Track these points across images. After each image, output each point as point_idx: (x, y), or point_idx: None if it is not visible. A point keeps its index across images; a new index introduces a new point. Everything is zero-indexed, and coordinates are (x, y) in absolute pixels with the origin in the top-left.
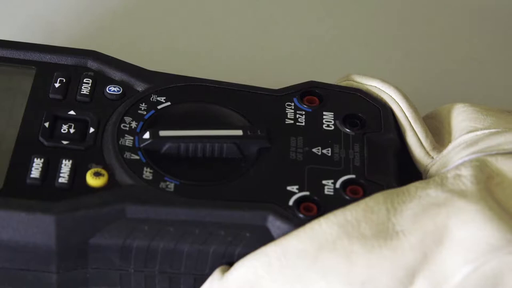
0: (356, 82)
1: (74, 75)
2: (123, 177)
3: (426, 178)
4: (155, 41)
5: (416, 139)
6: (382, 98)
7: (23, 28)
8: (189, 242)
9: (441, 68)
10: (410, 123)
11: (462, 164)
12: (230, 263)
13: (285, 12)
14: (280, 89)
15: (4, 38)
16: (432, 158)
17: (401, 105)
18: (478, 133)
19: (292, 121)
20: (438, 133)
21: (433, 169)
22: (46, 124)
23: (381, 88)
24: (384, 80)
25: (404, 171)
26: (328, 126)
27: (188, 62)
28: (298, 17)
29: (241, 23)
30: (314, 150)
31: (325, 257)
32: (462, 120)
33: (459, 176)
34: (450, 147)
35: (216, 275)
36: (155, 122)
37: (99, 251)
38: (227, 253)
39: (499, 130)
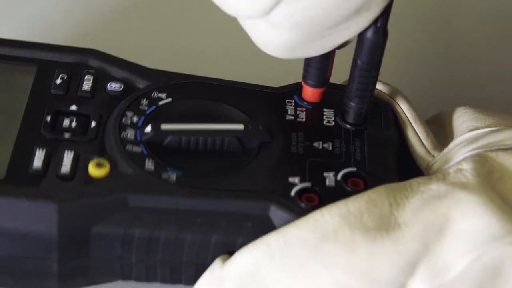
0: None
1: (75, 73)
2: (125, 168)
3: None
4: (155, 41)
5: (417, 138)
6: (382, 98)
7: (24, 27)
8: (191, 232)
9: (442, 71)
10: (410, 123)
11: (464, 159)
12: (231, 253)
13: None
14: (281, 87)
15: (5, 36)
16: (433, 156)
17: (401, 105)
18: (479, 131)
19: (292, 117)
20: (440, 136)
21: (434, 167)
22: (48, 118)
23: (381, 89)
24: (384, 82)
25: (405, 172)
26: (328, 122)
27: (188, 61)
28: None
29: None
30: (315, 144)
31: (326, 246)
32: (464, 121)
33: (460, 170)
34: (451, 145)
35: (217, 264)
36: (156, 117)
37: (101, 240)
38: (228, 243)
39: (499, 128)
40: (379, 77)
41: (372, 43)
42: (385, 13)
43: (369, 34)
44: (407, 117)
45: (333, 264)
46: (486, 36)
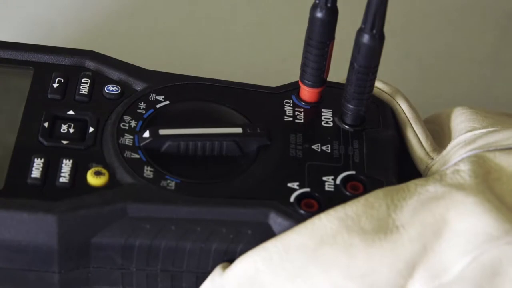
0: None
1: (72, 75)
2: (124, 176)
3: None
4: (154, 41)
5: (416, 140)
6: (382, 97)
7: (22, 28)
8: (191, 240)
9: (441, 71)
10: (410, 124)
11: (461, 160)
12: (232, 261)
13: (284, 11)
14: (278, 86)
15: (3, 38)
16: (432, 158)
17: (402, 106)
18: (477, 132)
19: (291, 118)
20: (438, 137)
21: (433, 169)
22: (46, 124)
23: (382, 89)
24: (384, 81)
25: (405, 173)
26: (327, 123)
27: (187, 62)
28: (297, 16)
29: (240, 22)
30: (314, 147)
31: (325, 251)
32: (461, 121)
33: (457, 171)
34: (449, 147)
35: (217, 271)
36: (154, 121)
37: (101, 250)
38: (229, 250)
39: (497, 128)
40: (379, 76)
41: (369, 48)
42: (381, 17)
43: (366, 39)
44: (407, 118)
45: (332, 268)
46: (486, 36)
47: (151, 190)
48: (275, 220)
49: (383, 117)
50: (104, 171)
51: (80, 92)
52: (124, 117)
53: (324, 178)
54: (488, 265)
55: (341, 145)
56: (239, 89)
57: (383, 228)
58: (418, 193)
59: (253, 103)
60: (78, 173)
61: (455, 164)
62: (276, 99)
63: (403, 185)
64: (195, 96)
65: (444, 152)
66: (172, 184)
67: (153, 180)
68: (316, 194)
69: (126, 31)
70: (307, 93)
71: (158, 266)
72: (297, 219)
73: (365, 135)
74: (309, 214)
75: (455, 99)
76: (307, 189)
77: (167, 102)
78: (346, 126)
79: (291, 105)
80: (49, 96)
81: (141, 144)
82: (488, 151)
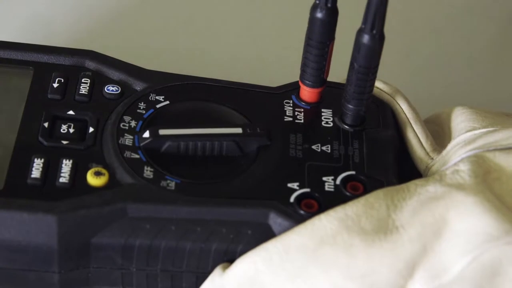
0: None
1: (72, 75)
2: (124, 176)
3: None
4: (154, 41)
5: (416, 140)
6: (382, 97)
7: (22, 28)
8: (191, 240)
9: (440, 71)
10: (410, 124)
11: (461, 160)
12: (232, 261)
13: (284, 11)
14: (278, 86)
15: (4, 38)
16: (432, 158)
17: (402, 106)
18: (476, 132)
19: (291, 118)
20: (438, 136)
21: (433, 169)
22: (46, 124)
23: (382, 89)
24: (385, 81)
25: (405, 173)
26: (327, 123)
27: (187, 62)
28: (297, 16)
29: (240, 22)
30: (314, 147)
31: (325, 251)
32: (461, 121)
33: (457, 171)
34: (449, 147)
35: (217, 271)
36: (154, 121)
37: (101, 250)
38: (229, 251)
39: (496, 128)
40: (379, 76)
41: (369, 49)
42: (381, 17)
43: (366, 39)
44: (407, 118)
45: (332, 269)
46: (486, 36)
47: (151, 190)
48: (275, 220)
49: (383, 117)
50: (104, 171)
51: (80, 92)
52: (124, 117)
53: (324, 178)
54: (488, 265)
55: (341, 145)
56: (239, 89)
57: (383, 229)
58: (418, 193)
59: (253, 103)
60: (78, 173)
61: (455, 164)
62: (276, 99)
63: (403, 186)
64: (195, 96)
65: (444, 152)
66: (172, 184)
67: (153, 180)
68: (316, 195)
69: (126, 31)
70: (307, 93)
71: (158, 266)
72: (297, 220)
73: (365, 135)
74: (309, 215)
75: (455, 99)
76: (307, 189)
77: (167, 102)
78: (346, 126)
79: (291, 105)
80: (49, 96)
81: (141, 144)
82: (488, 151)
